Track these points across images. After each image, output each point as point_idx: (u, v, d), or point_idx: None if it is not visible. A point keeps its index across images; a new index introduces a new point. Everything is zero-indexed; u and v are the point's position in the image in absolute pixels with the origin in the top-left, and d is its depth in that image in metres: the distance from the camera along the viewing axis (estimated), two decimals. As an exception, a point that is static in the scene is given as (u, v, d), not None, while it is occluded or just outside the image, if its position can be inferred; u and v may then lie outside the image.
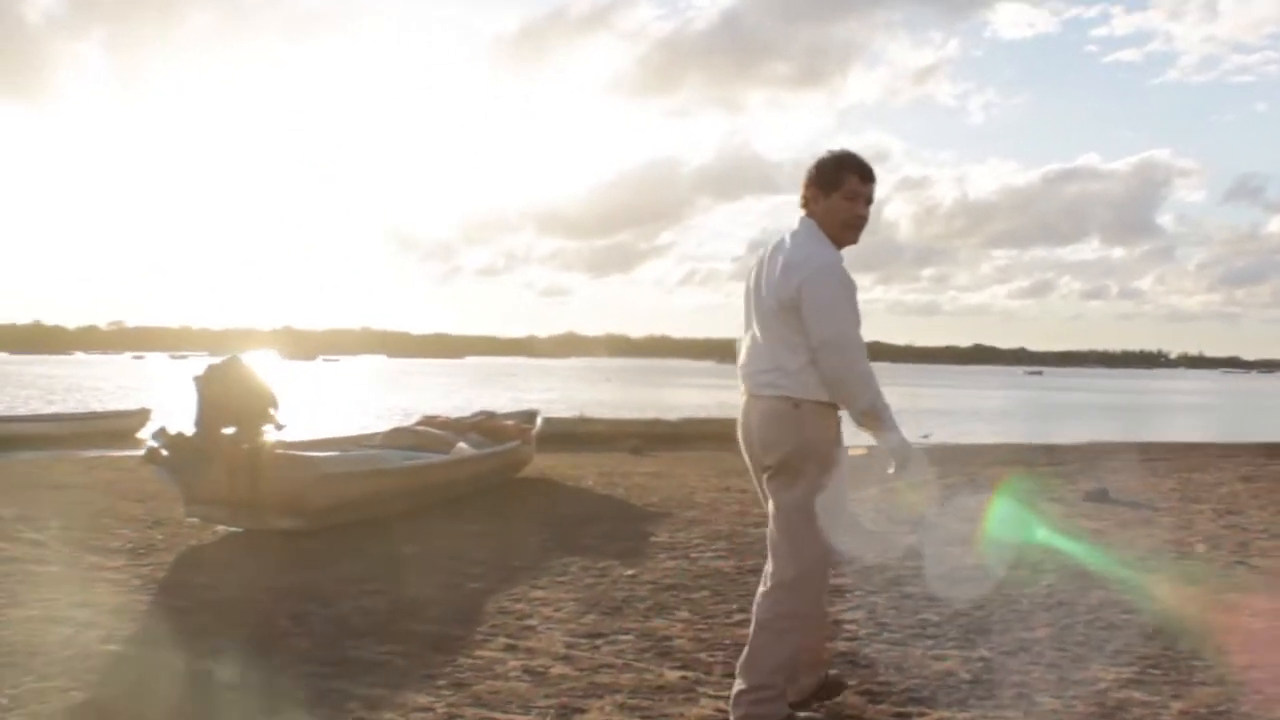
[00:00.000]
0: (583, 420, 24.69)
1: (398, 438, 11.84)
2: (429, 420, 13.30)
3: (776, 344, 4.01)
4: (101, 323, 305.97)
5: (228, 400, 8.60)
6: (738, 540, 8.64)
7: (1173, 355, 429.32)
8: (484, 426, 12.90)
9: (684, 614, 6.20)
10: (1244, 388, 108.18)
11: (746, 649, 4.14)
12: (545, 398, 49.56)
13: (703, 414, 32.68)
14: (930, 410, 47.01)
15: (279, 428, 8.82)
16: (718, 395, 59.05)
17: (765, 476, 4.17)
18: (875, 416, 3.94)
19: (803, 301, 3.88)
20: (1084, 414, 47.81)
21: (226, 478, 8.40)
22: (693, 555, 8.05)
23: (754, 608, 4.16)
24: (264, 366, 9.12)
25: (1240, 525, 9.72)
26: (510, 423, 13.41)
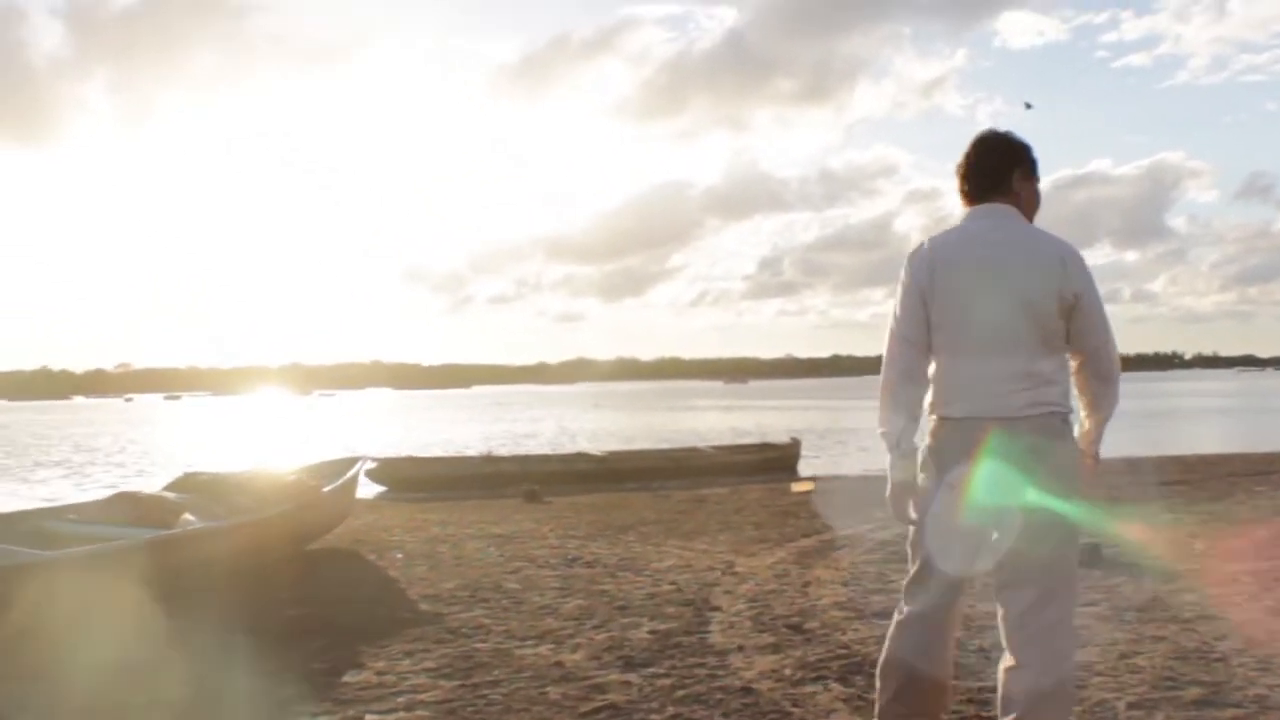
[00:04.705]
0: (488, 460, 21.24)
1: (115, 507, 8.75)
2: (192, 478, 9.96)
3: (1035, 351, 3.43)
4: (109, 365, 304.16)
5: None
6: (485, 676, 5.30)
7: (1187, 356, 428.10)
8: (249, 487, 9.58)
9: None
10: (1260, 387, 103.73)
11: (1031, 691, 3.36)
12: (509, 429, 46.51)
13: (681, 440, 30.05)
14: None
15: None
16: (708, 418, 55.87)
17: None
18: (1107, 425, 3.68)
19: (1081, 301, 3.44)
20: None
21: None
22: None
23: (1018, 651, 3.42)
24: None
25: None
26: (291, 479, 10.01)
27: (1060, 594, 3.42)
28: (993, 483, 3.37)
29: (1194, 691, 4.60)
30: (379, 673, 5.52)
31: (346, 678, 5.46)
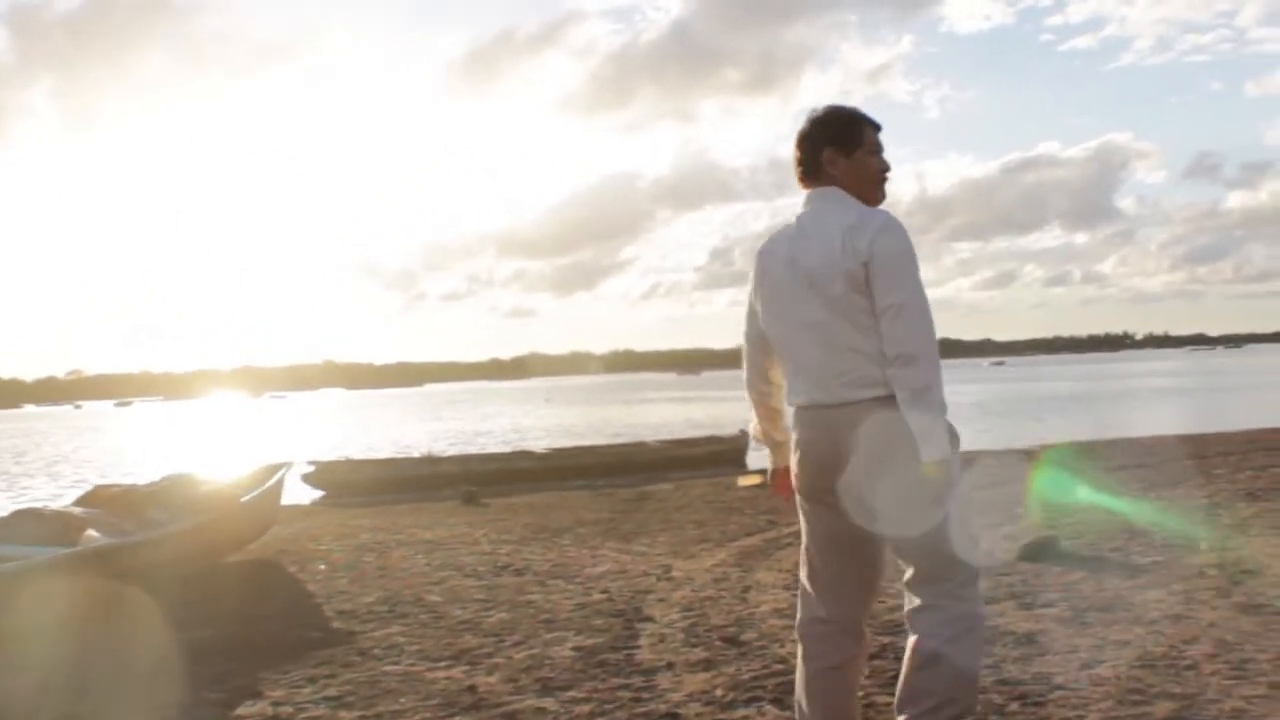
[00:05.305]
0: (428, 461, 20.67)
1: (16, 526, 8.26)
2: (101, 491, 9.40)
3: (852, 332, 3.25)
4: (60, 372, 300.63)
5: None
6: (390, 705, 4.85)
7: (1138, 336, 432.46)
8: (162, 499, 9.06)
9: None
10: (1211, 365, 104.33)
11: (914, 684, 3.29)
12: (458, 427, 46.01)
13: (633, 435, 29.78)
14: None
15: None
16: (661, 410, 55.46)
17: None
18: (933, 403, 3.15)
19: (873, 262, 3.21)
20: (1044, 407, 42.75)
21: None
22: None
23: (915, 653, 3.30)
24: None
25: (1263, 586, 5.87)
26: (207, 489, 9.48)
27: (943, 575, 3.31)
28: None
29: (1164, 706, 4.15)
30: (276, 703, 5.03)
31: (240, 709, 4.98)
